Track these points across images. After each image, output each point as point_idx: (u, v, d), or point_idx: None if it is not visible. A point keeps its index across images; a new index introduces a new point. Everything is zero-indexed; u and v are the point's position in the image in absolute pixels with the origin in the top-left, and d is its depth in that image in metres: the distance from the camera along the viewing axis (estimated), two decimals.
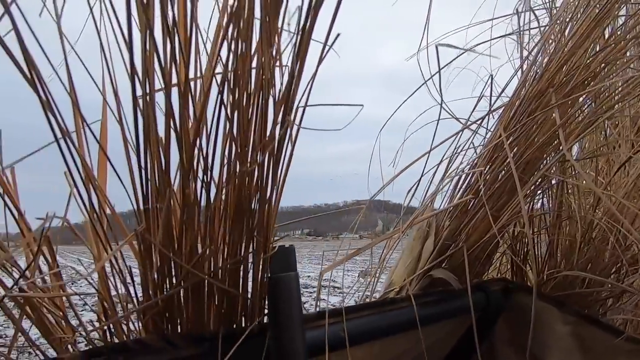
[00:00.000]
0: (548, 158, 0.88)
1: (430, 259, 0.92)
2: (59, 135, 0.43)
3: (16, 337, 0.53)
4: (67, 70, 0.40)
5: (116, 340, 0.57)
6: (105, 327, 0.53)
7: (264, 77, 0.45)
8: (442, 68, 1.04)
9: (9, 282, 0.49)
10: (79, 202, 0.50)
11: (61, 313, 0.52)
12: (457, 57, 1.08)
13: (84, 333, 0.54)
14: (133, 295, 0.56)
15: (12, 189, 0.47)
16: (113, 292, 0.58)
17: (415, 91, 1.03)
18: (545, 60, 0.84)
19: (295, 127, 0.50)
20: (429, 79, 0.99)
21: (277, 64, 0.47)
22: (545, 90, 0.79)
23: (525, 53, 0.99)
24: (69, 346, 0.53)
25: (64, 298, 0.54)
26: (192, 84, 0.44)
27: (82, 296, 0.56)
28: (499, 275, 1.18)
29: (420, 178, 0.88)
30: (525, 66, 0.94)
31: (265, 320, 0.70)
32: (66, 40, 0.41)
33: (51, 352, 0.54)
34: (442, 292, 0.92)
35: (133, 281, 0.54)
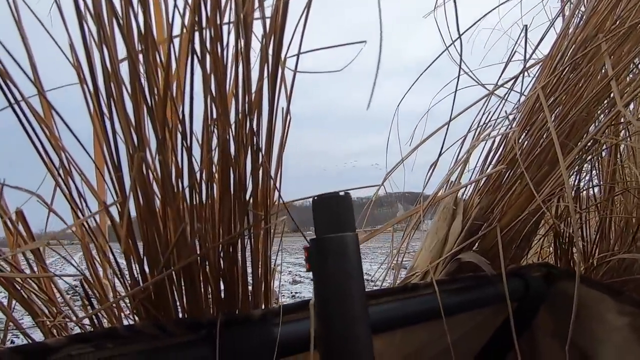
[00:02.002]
0: (598, 119, 0.75)
1: (459, 241, 0.82)
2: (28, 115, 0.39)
3: (8, 325, 0.51)
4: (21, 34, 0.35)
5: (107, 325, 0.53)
6: (92, 312, 0.49)
7: (241, 21, 0.38)
8: (467, 30, 0.92)
9: None
10: (58, 181, 0.46)
11: (47, 296, 0.49)
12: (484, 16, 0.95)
13: (73, 317, 0.50)
14: (122, 278, 0.51)
15: None
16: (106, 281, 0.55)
17: (436, 59, 0.92)
18: (593, 1, 0.71)
19: (288, 79, 0.43)
20: (450, 45, 0.88)
21: (257, 6, 0.39)
22: (593, 37, 0.66)
23: None
24: (57, 330, 0.49)
25: (51, 283, 0.50)
26: (157, 30, 0.38)
27: (69, 281, 0.52)
28: (540, 259, 1.05)
29: (441, 152, 0.78)
30: (567, 11, 0.80)
31: (274, 304, 0.64)
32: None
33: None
34: (472, 278, 0.82)
35: (119, 265, 0.50)
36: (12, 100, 0.36)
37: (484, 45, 1.02)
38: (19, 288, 0.46)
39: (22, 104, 0.38)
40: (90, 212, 0.47)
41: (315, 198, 0.45)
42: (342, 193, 0.46)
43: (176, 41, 0.42)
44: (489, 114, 0.83)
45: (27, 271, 0.50)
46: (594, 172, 0.90)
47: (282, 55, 0.41)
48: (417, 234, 0.91)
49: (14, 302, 0.50)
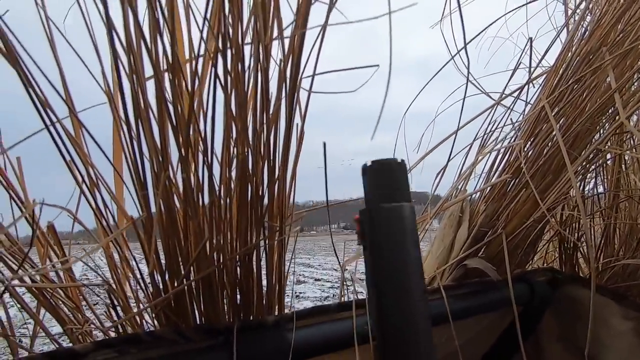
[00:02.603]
0: (602, 130, 0.76)
1: (465, 247, 0.84)
2: (62, 136, 0.42)
3: (37, 330, 0.54)
4: (54, 52, 0.38)
5: (130, 331, 0.56)
6: (117, 319, 0.52)
7: (261, 45, 0.40)
8: (472, 39, 0.94)
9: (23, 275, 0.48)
10: (85, 194, 0.48)
11: (74, 304, 0.52)
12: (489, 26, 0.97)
13: (98, 324, 0.53)
14: (144, 287, 0.54)
15: (20, 178, 0.47)
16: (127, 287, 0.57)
17: (442, 68, 0.94)
18: (597, 15, 0.72)
19: (302, 101, 0.45)
20: (456, 54, 0.90)
21: (276, 32, 0.42)
22: (596, 50, 0.68)
23: (570, 10, 0.86)
24: (81, 336, 0.52)
25: (77, 292, 0.53)
26: (181, 57, 0.41)
27: (93, 289, 0.55)
28: (545, 264, 1.07)
29: (449, 159, 0.80)
30: (571, 25, 0.82)
31: (287, 310, 0.66)
32: (53, 24, 0.39)
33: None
34: (479, 284, 0.84)
35: (141, 274, 0.52)
36: (48, 122, 0.38)
37: (488, 49, 1.04)
38: (49, 297, 0.49)
39: (57, 124, 0.40)
40: (116, 223, 0.50)
41: (370, 163, 0.40)
42: (399, 160, 0.41)
43: (200, 58, 0.44)
44: (494, 122, 0.85)
45: (55, 280, 0.52)
46: (598, 179, 0.92)
47: (299, 77, 0.43)
48: (425, 235, 0.93)
49: (42, 310, 0.53)
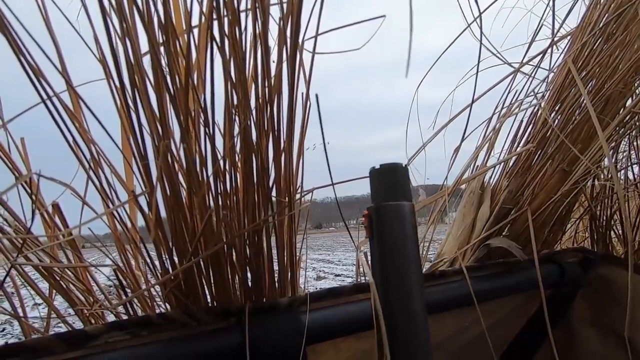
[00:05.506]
0: (636, 92, 0.70)
1: (487, 226, 0.80)
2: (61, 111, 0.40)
3: (50, 313, 0.53)
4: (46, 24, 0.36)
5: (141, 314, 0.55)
6: (128, 301, 0.51)
7: (259, 3, 0.37)
8: (489, 6, 0.88)
9: (31, 256, 0.48)
10: (89, 174, 0.47)
11: (84, 286, 0.51)
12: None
13: (108, 305, 0.52)
14: (152, 267, 0.53)
15: (24, 158, 0.46)
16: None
17: (458, 36, 0.89)
18: None
19: (307, 64, 0.42)
20: (472, 22, 0.85)
21: None
22: (628, 1, 0.62)
23: None
24: (93, 318, 0.51)
25: (86, 273, 0.53)
26: (175, 18, 0.39)
27: (102, 271, 0.54)
28: (575, 244, 1.00)
29: (464, 134, 0.75)
30: None
31: (301, 293, 0.64)
32: None
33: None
34: (503, 264, 0.79)
35: (150, 255, 0.51)
36: (45, 97, 0.37)
37: (503, 24, 0.98)
38: (59, 279, 0.48)
39: (54, 99, 0.39)
40: (120, 202, 0.49)
41: (376, 167, 0.46)
42: (401, 164, 0.47)
43: (195, 28, 0.42)
44: (515, 92, 0.79)
45: (65, 262, 0.52)
46: (632, 151, 0.84)
47: (300, 37, 0.41)
48: (440, 226, 0.89)
49: (54, 292, 0.52)
